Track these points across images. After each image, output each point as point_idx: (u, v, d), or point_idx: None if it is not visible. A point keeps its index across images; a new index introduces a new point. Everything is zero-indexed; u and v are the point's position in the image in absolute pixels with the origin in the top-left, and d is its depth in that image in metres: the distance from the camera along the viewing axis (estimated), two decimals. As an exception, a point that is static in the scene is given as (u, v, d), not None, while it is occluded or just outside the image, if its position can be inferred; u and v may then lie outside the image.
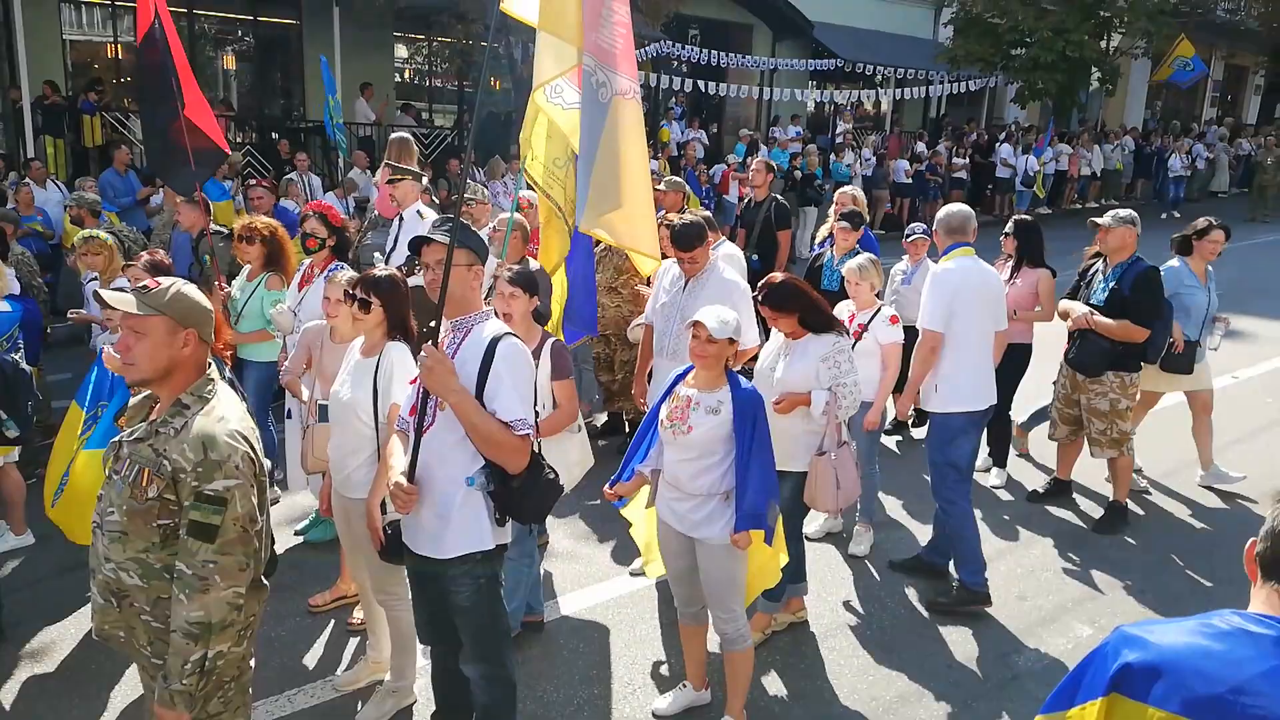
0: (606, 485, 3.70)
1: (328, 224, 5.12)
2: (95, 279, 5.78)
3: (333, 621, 4.46)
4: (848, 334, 4.31)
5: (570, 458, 4.24)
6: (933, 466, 4.80)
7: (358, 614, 4.35)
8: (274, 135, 15.34)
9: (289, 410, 4.90)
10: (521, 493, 2.92)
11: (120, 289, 2.73)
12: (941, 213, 4.86)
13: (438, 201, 9.96)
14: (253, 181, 8.88)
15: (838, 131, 20.07)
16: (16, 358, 4.29)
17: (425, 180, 6.77)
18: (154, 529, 2.37)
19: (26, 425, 4.29)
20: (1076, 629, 4.55)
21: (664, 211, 6.83)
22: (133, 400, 2.62)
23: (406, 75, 18.83)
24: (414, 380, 2.99)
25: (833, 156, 17.20)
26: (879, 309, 5.10)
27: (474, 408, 2.81)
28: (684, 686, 3.86)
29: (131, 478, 2.38)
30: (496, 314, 3.50)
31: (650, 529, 3.80)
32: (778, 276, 4.13)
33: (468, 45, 15.65)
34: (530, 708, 3.83)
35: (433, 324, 2.94)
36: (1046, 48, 19.40)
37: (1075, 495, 6.05)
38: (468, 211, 6.67)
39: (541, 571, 4.61)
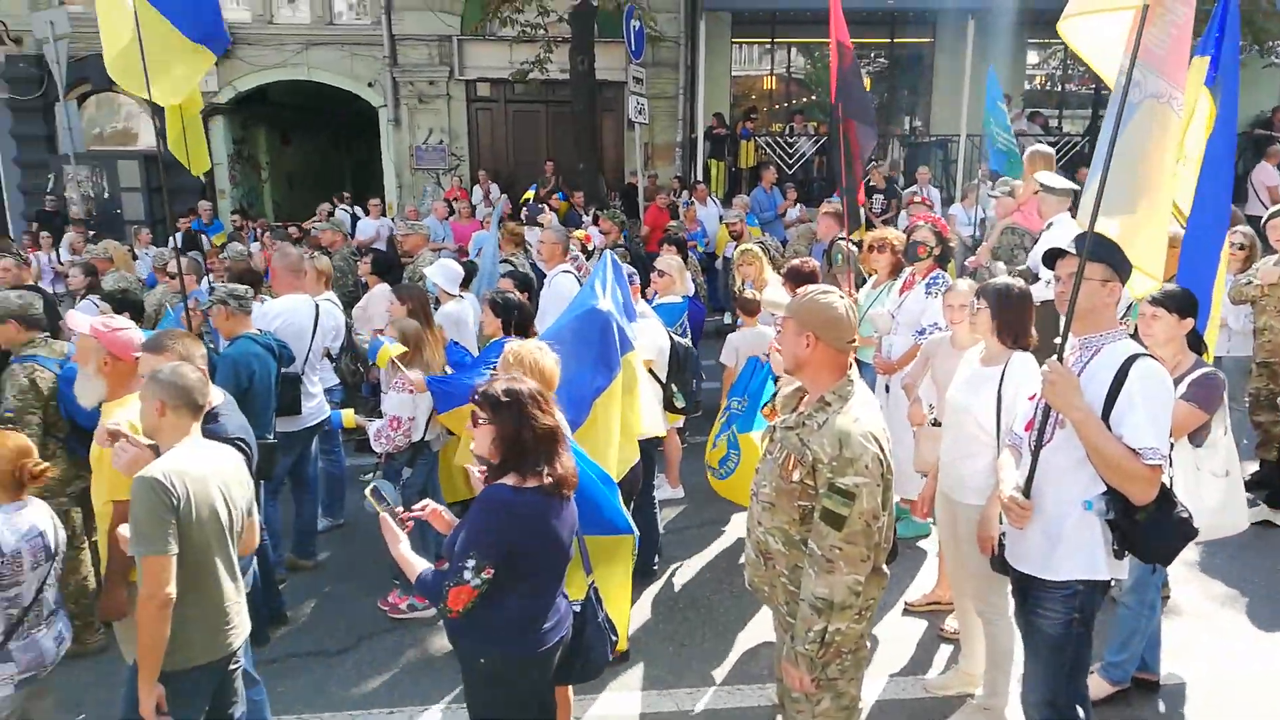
0: None
1: (938, 235, 5.34)
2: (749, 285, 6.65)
3: (926, 623, 4.56)
4: None
5: (1205, 502, 3.66)
6: None
7: (950, 623, 4.39)
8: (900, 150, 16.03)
9: None
10: (1146, 527, 2.72)
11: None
12: None
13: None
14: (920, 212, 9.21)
15: None
16: (687, 342, 5.27)
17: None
18: (795, 507, 2.69)
19: (690, 399, 5.25)
20: None
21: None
22: (784, 390, 3.00)
23: (1037, 82, 18.08)
24: (1033, 396, 2.94)
25: None
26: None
27: (1097, 428, 2.70)
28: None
29: (780, 460, 2.73)
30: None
31: None
32: None
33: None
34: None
35: (1057, 340, 2.88)
36: None
37: None
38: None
39: (1161, 626, 4.12)
